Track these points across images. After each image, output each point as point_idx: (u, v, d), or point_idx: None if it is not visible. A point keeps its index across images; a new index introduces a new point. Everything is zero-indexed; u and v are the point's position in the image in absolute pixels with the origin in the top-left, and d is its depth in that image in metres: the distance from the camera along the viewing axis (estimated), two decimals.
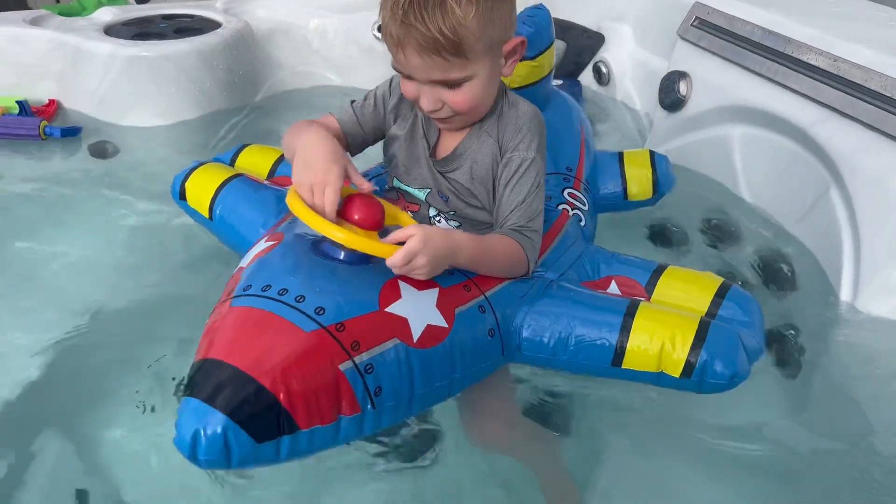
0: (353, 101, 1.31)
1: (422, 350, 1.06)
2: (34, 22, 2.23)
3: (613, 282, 1.33)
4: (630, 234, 1.74)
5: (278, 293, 1.03)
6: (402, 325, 1.05)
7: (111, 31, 2.21)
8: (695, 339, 1.15)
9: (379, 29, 2.37)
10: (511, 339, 1.19)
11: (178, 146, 2.12)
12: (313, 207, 1.09)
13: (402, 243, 1.05)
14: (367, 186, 1.13)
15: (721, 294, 1.27)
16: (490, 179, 1.23)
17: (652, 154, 1.70)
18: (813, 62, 1.63)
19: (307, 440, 0.98)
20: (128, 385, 1.29)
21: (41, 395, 1.29)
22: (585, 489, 1.21)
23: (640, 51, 2.28)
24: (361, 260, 1.10)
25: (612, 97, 2.35)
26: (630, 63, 2.30)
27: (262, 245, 1.18)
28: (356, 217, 1.09)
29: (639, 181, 1.66)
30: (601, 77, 2.33)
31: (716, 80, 1.89)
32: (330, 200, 1.08)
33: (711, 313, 1.24)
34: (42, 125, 2.02)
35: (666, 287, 1.30)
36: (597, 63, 2.34)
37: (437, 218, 1.30)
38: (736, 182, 1.86)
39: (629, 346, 1.16)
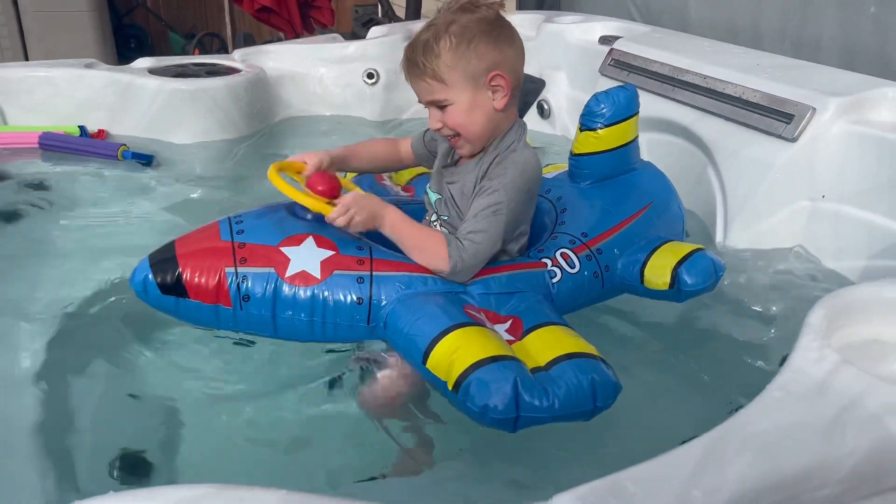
0: (426, 130, 1.55)
1: (288, 284, 1.32)
2: (89, 66, 2.74)
3: (510, 321, 1.36)
4: None
5: (236, 221, 1.40)
6: (283, 261, 1.34)
7: (154, 71, 2.73)
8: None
9: (368, 76, 2.98)
10: (378, 316, 1.34)
11: (207, 161, 2.61)
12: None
13: None
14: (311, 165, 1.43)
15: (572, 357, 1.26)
16: (471, 200, 1.40)
17: (695, 250, 1.50)
18: (690, 80, 2.24)
19: (194, 309, 1.35)
20: None
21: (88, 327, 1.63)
22: None
23: (572, 91, 2.88)
24: (323, 221, 1.36)
25: (553, 129, 2.94)
26: (565, 101, 2.90)
27: None
28: (318, 188, 1.37)
29: (657, 270, 1.49)
30: (543, 113, 2.94)
31: None
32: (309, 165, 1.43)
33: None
34: (120, 150, 2.41)
35: (537, 336, 1.31)
36: (540, 102, 2.93)
37: (435, 223, 1.50)
38: None
39: (434, 349, 1.24)
